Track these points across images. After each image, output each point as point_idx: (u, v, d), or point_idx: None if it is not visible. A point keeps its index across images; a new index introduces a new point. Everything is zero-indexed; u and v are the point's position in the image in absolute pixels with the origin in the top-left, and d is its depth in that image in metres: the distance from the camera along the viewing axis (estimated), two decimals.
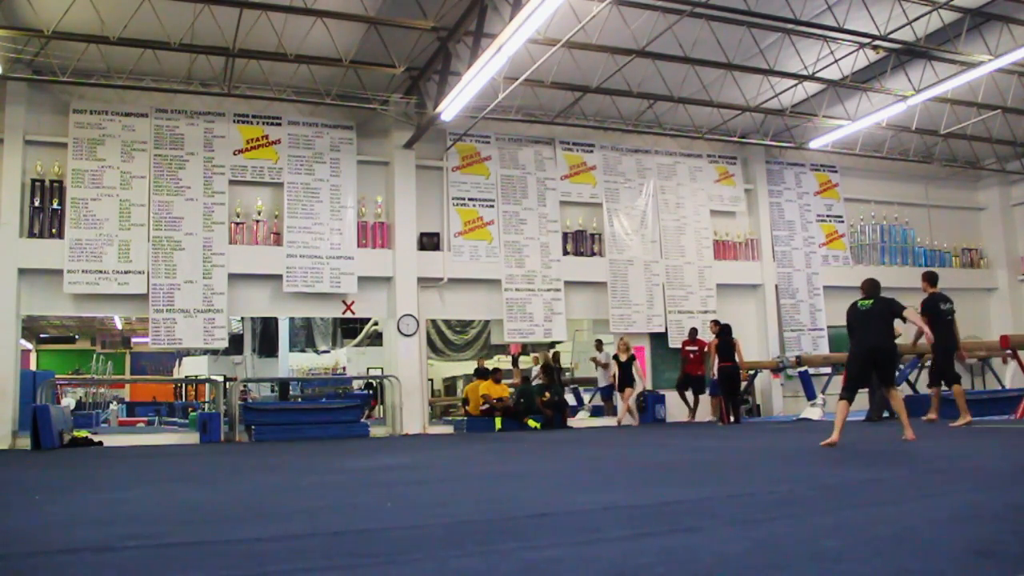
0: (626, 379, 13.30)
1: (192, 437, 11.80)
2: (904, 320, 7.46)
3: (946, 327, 9.21)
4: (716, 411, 13.45)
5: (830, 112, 13.92)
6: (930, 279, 9.84)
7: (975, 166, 16.91)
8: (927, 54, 12.36)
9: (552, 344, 15.71)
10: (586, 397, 15.84)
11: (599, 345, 14.68)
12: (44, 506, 4.61)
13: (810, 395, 13.56)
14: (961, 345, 9.55)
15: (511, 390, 13.69)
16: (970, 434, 8.29)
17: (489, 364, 15.38)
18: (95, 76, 11.23)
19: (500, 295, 13.49)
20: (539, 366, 14.96)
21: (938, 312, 9.30)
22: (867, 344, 7.34)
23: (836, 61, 12.35)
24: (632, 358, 13.44)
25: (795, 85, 13.09)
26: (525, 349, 18.03)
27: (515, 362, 17.68)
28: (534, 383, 14.21)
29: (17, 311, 11.33)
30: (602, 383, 14.80)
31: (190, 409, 16.89)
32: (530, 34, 9.03)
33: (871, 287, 7.62)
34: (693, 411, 13.57)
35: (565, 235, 14.19)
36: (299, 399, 18.10)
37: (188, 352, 20.04)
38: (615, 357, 13.51)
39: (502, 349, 18.25)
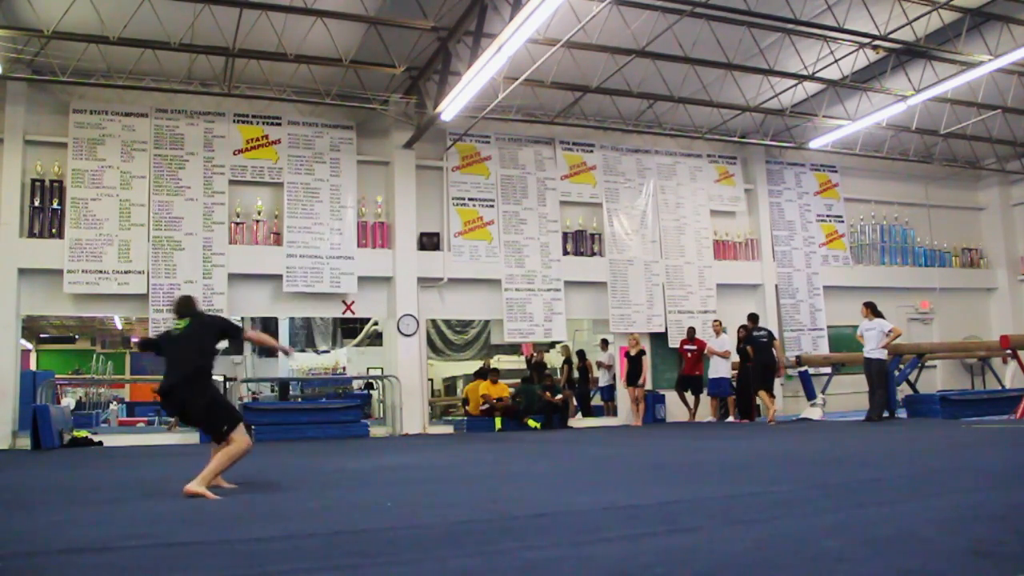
0: (635, 374, 13.33)
1: (192, 437, 11.77)
2: None
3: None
4: (716, 411, 13.46)
5: (830, 112, 13.92)
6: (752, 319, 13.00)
7: (975, 166, 16.91)
8: (927, 54, 12.36)
9: (553, 343, 15.74)
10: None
11: (604, 345, 14.70)
12: (44, 506, 4.61)
13: (810, 395, 13.57)
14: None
15: (511, 390, 13.70)
16: (970, 434, 8.30)
17: (491, 363, 15.38)
18: (95, 76, 11.23)
19: (500, 295, 13.49)
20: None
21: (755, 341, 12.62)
22: None
23: (836, 61, 12.35)
24: (642, 352, 13.49)
25: (795, 85, 13.09)
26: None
27: (529, 363, 17.58)
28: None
29: (17, 311, 11.33)
30: (603, 383, 14.82)
31: None
32: (530, 34, 9.03)
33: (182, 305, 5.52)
34: (693, 411, 13.58)
35: (565, 235, 14.19)
36: (299, 399, 18.08)
37: None
38: (625, 354, 13.53)
39: (502, 349, 18.23)
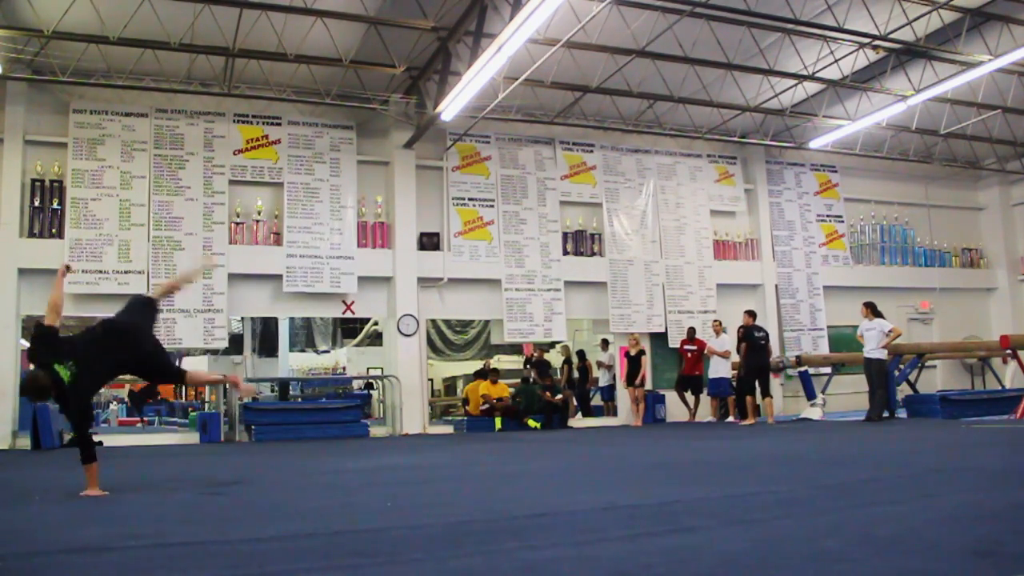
0: (635, 375, 13.33)
1: (192, 437, 11.81)
2: None
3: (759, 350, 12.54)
4: (716, 411, 13.46)
5: (830, 112, 13.92)
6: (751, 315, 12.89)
7: (975, 166, 16.91)
8: (927, 54, 12.36)
9: (553, 343, 15.73)
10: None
11: (604, 345, 14.70)
12: (44, 506, 4.62)
13: (810, 395, 13.57)
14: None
15: (511, 390, 13.70)
16: (970, 434, 8.30)
17: (492, 364, 15.39)
18: (95, 76, 11.23)
19: (500, 295, 13.48)
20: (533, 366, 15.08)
21: (753, 339, 12.50)
22: None
23: (836, 61, 12.35)
24: (642, 352, 13.49)
25: (795, 85, 13.09)
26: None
27: (527, 363, 17.62)
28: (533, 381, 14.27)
29: (17, 311, 11.33)
30: (603, 383, 14.83)
31: (190, 409, 16.87)
32: (530, 34, 9.03)
33: None
34: (693, 411, 13.58)
35: (565, 235, 14.18)
36: (299, 399, 18.07)
37: (188, 352, 20.01)
38: (625, 354, 13.55)
39: (502, 349, 18.23)
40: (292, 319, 18.79)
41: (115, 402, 21.27)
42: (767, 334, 12.88)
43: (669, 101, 13.16)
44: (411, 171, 13.23)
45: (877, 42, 11.77)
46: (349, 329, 20.11)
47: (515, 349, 18.00)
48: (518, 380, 15.47)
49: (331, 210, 12.69)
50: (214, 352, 17.25)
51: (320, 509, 4.18)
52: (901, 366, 12.41)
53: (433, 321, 16.07)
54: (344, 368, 20.37)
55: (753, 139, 14.88)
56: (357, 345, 20.34)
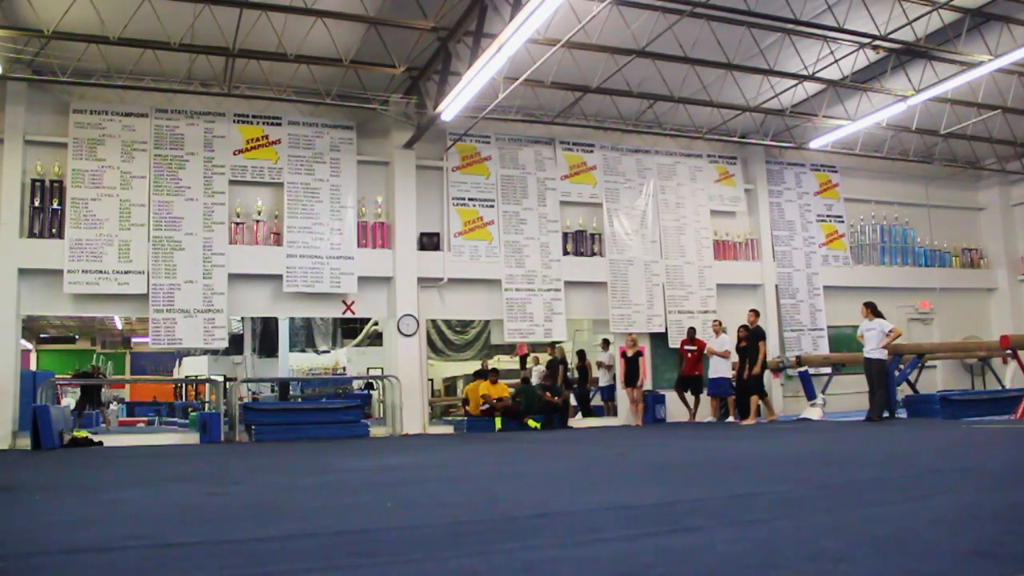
0: (633, 375, 13.33)
1: (192, 437, 11.80)
2: None
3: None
4: (716, 411, 13.46)
5: (830, 112, 13.91)
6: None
7: (975, 166, 16.91)
8: (927, 54, 12.36)
9: (554, 343, 15.73)
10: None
11: (605, 345, 14.70)
12: (44, 506, 4.62)
13: (810, 395, 13.57)
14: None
15: (511, 390, 13.69)
16: (970, 434, 8.30)
17: (489, 364, 15.38)
18: (95, 76, 11.23)
19: (500, 295, 13.49)
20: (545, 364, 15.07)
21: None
22: None
23: (836, 61, 12.35)
24: (639, 353, 13.48)
25: (795, 85, 13.09)
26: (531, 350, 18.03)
27: (522, 363, 17.65)
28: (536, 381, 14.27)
29: (17, 311, 11.32)
30: (603, 383, 14.82)
31: (190, 409, 16.87)
32: (530, 34, 9.03)
33: None
34: (693, 411, 13.58)
35: (565, 235, 14.18)
36: (299, 399, 18.08)
37: (188, 352, 20.03)
38: (623, 354, 13.57)
39: (502, 349, 18.23)
40: (292, 319, 18.81)
41: (115, 402, 21.25)
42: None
43: (669, 101, 13.16)
44: (411, 171, 13.23)
45: (877, 42, 11.77)
46: (349, 329, 20.13)
47: (515, 349, 18.00)
48: (518, 380, 15.47)
49: (331, 210, 12.70)
50: (214, 352, 17.31)
51: (320, 509, 4.18)
52: (901, 366, 12.41)
53: (433, 321, 16.07)
54: (344, 368, 20.37)
55: (753, 139, 14.88)
56: (357, 345, 20.35)
